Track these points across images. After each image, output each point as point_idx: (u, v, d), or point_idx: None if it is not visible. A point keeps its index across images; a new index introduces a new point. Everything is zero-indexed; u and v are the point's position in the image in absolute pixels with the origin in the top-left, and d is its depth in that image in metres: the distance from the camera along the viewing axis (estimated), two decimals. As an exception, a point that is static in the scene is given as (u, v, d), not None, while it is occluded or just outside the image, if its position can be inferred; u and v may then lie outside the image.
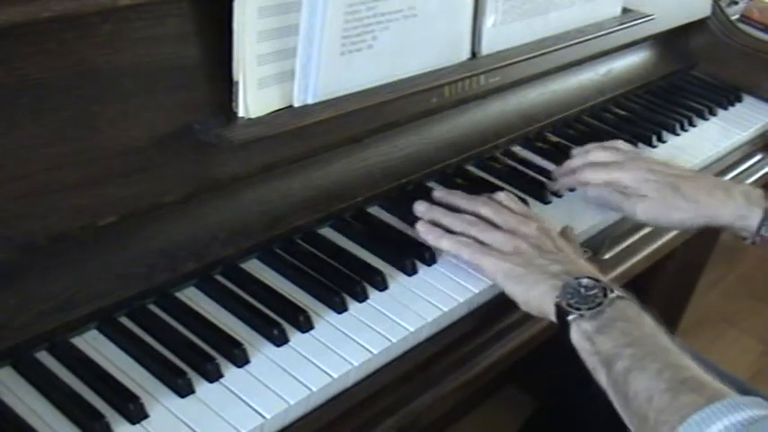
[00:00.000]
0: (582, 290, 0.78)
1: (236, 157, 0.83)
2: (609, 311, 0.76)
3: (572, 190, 1.07)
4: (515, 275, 0.83)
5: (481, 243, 0.87)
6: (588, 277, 0.79)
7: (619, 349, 0.73)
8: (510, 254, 0.85)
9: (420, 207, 0.94)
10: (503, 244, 0.86)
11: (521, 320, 0.89)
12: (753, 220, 0.96)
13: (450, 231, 0.90)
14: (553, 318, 0.79)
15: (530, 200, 1.03)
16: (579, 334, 0.76)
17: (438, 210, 0.93)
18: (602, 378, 0.74)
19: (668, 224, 1.00)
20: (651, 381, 0.70)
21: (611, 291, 0.78)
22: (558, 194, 1.06)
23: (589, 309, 0.76)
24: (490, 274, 0.85)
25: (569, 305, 0.77)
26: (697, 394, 0.67)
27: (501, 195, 0.95)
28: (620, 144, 1.09)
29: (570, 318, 0.77)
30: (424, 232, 0.90)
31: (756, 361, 2.12)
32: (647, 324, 0.76)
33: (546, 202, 1.05)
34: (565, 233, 0.93)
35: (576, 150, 1.09)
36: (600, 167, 1.03)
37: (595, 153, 1.06)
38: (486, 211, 0.91)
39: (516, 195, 1.03)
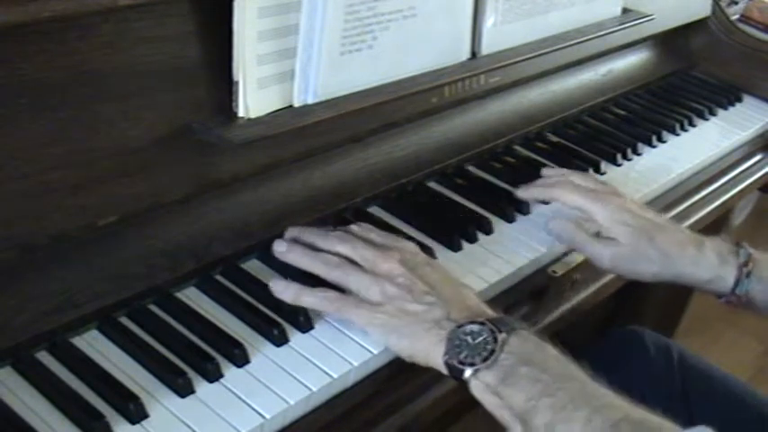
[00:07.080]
0: (469, 338, 0.71)
1: (236, 157, 0.83)
2: (505, 357, 0.69)
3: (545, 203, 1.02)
4: (391, 329, 0.74)
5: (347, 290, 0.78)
6: (472, 321, 0.72)
7: (534, 402, 0.67)
8: (379, 303, 0.75)
9: (279, 248, 0.83)
10: (368, 290, 0.76)
11: (521, 319, 0.89)
12: (726, 279, 0.89)
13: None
14: (445, 372, 0.72)
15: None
16: (481, 389, 0.70)
17: (298, 249, 0.82)
18: None
19: (634, 275, 0.92)
20: None
21: (500, 330, 0.71)
22: (521, 211, 1.01)
23: (483, 360, 0.69)
24: (363, 328, 0.76)
25: (461, 362, 0.70)
26: None
27: (354, 228, 0.84)
28: (597, 177, 1.05)
29: (466, 375, 0.70)
30: (279, 291, 0.78)
31: (756, 361, 2.12)
32: (552, 359, 0.70)
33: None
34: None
35: (547, 170, 1.04)
36: (578, 190, 0.95)
37: (574, 176, 0.99)
38: (342, 249, 0.80)
39: (515, 196, 1.04)
